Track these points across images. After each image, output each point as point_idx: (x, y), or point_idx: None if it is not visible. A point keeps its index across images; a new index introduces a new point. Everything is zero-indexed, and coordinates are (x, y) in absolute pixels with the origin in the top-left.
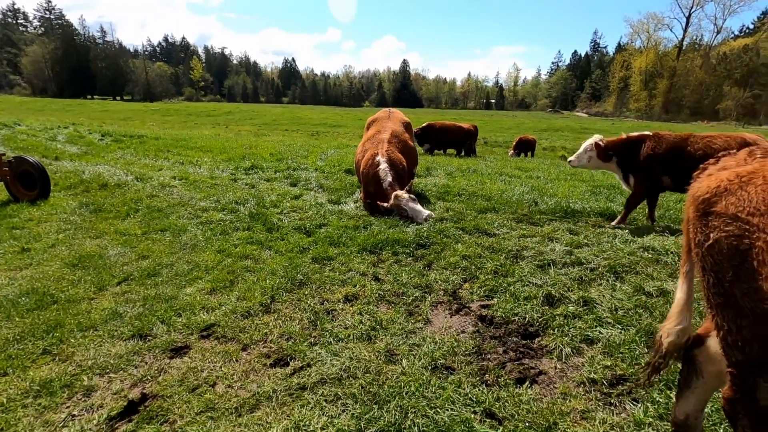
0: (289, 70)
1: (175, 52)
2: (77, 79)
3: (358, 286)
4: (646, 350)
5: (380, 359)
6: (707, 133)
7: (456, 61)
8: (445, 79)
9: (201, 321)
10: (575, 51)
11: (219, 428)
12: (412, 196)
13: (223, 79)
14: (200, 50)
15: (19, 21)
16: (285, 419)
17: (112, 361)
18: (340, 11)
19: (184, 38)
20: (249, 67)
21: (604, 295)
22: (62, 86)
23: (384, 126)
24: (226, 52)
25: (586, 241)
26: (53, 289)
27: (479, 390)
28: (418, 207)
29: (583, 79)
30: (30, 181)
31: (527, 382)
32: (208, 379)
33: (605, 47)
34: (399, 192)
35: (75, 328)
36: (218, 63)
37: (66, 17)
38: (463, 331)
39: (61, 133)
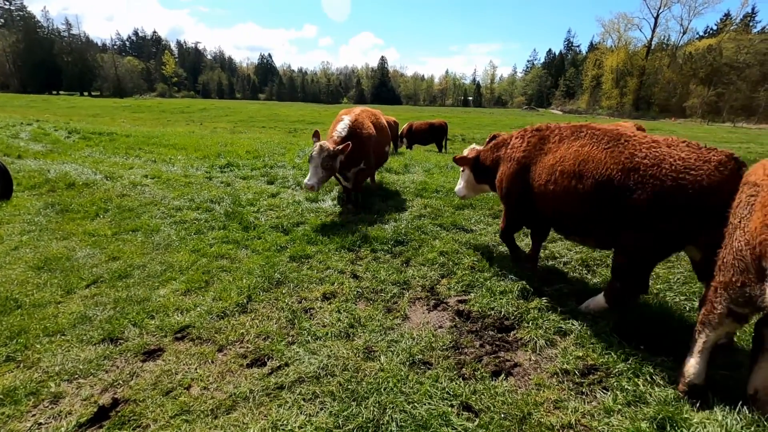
0: (266, 66)
1: (146, 47)
2: (41, 74)
3: (336, 284)
4: (617, 340)
5: (358, 356)
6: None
7: (433, 58)
8: (423, 76)
9: (175, 323)
10: (550, 49)
11: (194, 431)
12: (328, 152)
13: (197, 74)
14: (173, 45)
15: None
16: (262, 419)
17: (81, 367)
18: (334, 11)
19: (155, 32)
20: (224, 63)
21: (576, 288)
22: (25, 81)
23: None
24: (200, 47)
25: (559, 236)
26: (17, 293)
27: (456, 384)
28: (311, 168)
29: (558, 77)
30: None
31: (503, 375)
32: (183, 382)
33: (578, 46)
34: (323, 142)
35: (41, 333)
36: (192, 58)
37: (27, 9)
38: (440, 326)
39: (25, 130)
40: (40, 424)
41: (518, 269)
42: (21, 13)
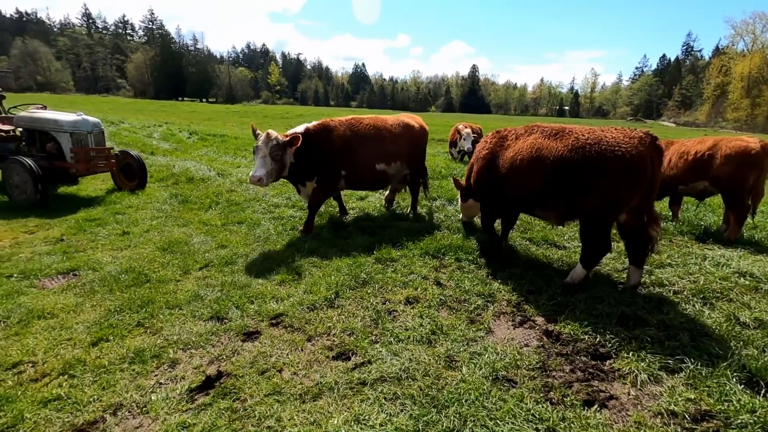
0: (359, 75)
1: (255, 58)
2: (171, 83)
3: (419, 289)
4: (740, 387)
5: (440, 364)
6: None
7: (527, 66)
8: (516, 84)
9: (271, 309)
10: (664, 55)
11: (284, 411)
12: (277, 140)
13: (297, 83)
14: (278, 56)
15: (127, 31)
16: (345, 411)
17: (193, 339)
18: (362, 12)
19: (264, 45)
20: (321, 72)
21: (689, 321)
22: (158, 89)
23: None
24: (301, 57)
25: (669, 261)
26: (147, 269)
27: (542, 407)
28: (258, 159)
29: (672, 86)
30: (131, 173)
31: (596, 406)
32: (276, 365)
33: (700, 50)
34: (270, 131)
35: (164, 305)
36: (293, 68)
37: (165, 27)
38: (526, 345)
39: (156, 131)
40: (161, 383)
41: (618, 294)
42: (160, 31)
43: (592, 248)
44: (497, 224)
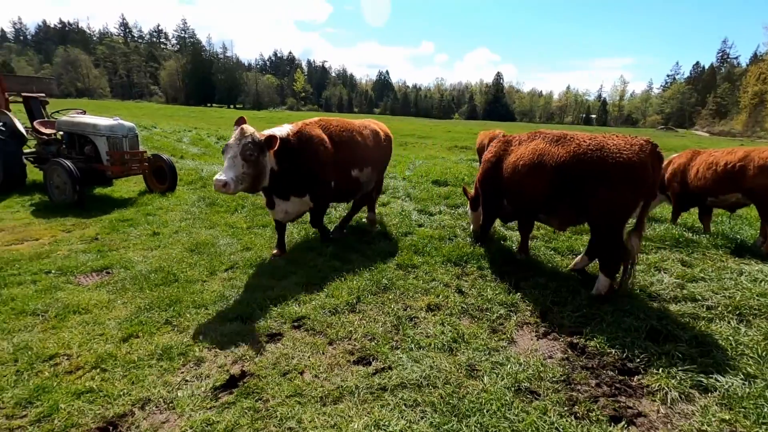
0: (383, 82)
1: (282, 66)
2: (201, 90)
3: (441, 297)
4: None
5: (461, 372)
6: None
7: (553, 74)
8: (541, 92)
9: (293, 312)
10: (698, 62)
11: (305, 413)
12: (252, 138)
13: (321, 90)
14: (303, 64)
15: (161, 40)
16: (366, 416)
17: (218, 338)
18: (372, 15)
19: (290, 53)
20: (346, 80)
21: (723, 339)
22: (189, 95)
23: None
24: (326, 65)
25: (702, 275)
26: (175, 269)
27: (567, 421)
28: (227, 160)
29: (706, 94)
30: (162, 176)
31: (623, 422)
32: (298, 367)
33: (736, 57)
34: (246, 126)
35: (190, 304)
36: (318, 75)
37: (197, 36)
38: (550, 356)
39: (186, 136)
40: (186, 381)
41: (648, 307)
42: (192, 39)
43: (608, 255)
44: (492, 228)
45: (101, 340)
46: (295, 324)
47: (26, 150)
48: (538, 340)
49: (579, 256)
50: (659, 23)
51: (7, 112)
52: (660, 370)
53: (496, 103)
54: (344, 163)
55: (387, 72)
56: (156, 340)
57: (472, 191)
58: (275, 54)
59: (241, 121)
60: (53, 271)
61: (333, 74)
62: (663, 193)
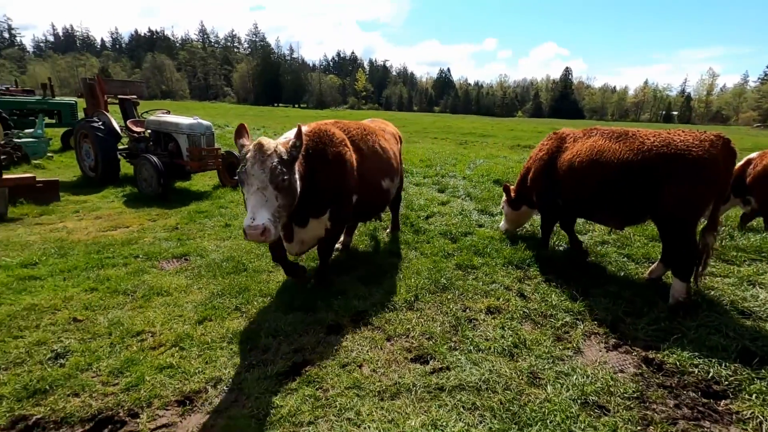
0: (444, 80)
1: (344, 66)
2: (269, 90)
3: (501, 300)
4: None
5: (522, 379)
6: None
7: (629, 68)
8: (615, 87)
9: (353, 306)
10: None
11: (363, 406)
12: (277, 153)
13: (382, 89)
14: (365, 63)
15: (234, 44)
16: (422, 414)
17: (282, 327)
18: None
19: (353, 53)
20: (406, 78)
21: None
22: (258, 96)
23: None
24: (388, 64)
25: None
26: (244, 259)
27: None
28: (253, 195)
29: None
30: (234, 171)
31: None
32: (356, 360)
33: None
34: (264, 139)
35: (257, 293)
36: (379, 74)
37: (266, 39)
38: (621, 371)
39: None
40: (253, 365)
41: (739, 325)
42: (262, 42)
43: (681, 256)
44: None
45: (180, 320)
46: (355, 318)
47: (120, 146)
48: (607, 351)
49: (654, 264)
50: (754, 8)
51: (106, 113)
52: (753, 396)
53: (563, 99)
54: (373, 173)
55: (448, 69)
56: (227, 324)
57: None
58: (338, 54)
59: (242, 131)
60: (140, 256)
61: (393, 73)
62: (739, 196)
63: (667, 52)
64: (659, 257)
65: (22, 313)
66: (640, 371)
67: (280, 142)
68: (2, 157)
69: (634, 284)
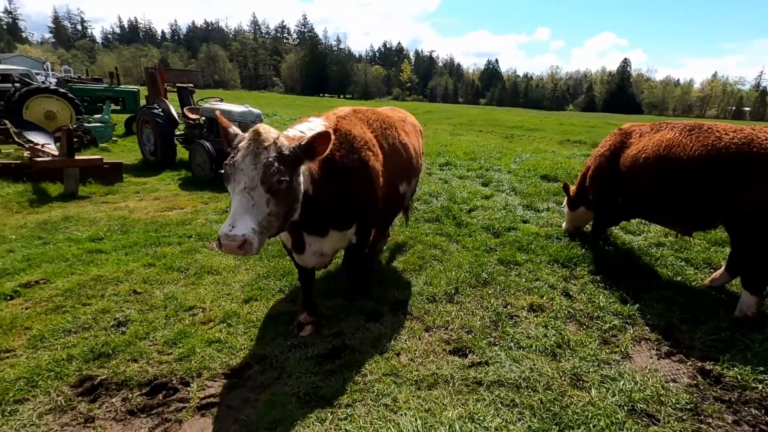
0: (491, 72)
1: (390, 56)
2: (315, 80)
3: (545, 298)
4: None
5: (564, 380)
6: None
7: (695, 59)
8: (678, 80)
9: (392, 296)
10: None
11: (401, 393)
12: (276, 146)
13: (427, 80)
14: (411, 54)
15: (284, 35)
16: (460, 407)
17: (323, 311)
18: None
19: (399, 43)
20: (452, 69)
21: None
22: (305, 86)
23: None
24: (434, 55)
25: None
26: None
27: None
28: (238, 195)
29: None
30: None
31: None
32: (394, 348)
33: None
34: (262, 126)
35: None
36: (425, 65)
37: (314, 30)
38: (674, 380)
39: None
40: (295, 346)
41: None
42: (310, 33)
43: (753, 267)
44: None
45: (228, 299)
46: (394, 307)
47: (177, 132)
48: (659, 359)
49: (718, 271)
50: None
51: (165, 100)
52: None
53: (619, 93)
54: (392, 175)
55: (496, 61)
56: (271, 305)
57: (573, 188)
58: (384, 45)
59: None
60: (193, 236)
61: (440, 64)
62: None
63: (740, 42)
64: (723, 264)
65: (90, 283)
66: (695, 382)
67: (288, 134)
68: (74, 140)
69: (692, 291)
